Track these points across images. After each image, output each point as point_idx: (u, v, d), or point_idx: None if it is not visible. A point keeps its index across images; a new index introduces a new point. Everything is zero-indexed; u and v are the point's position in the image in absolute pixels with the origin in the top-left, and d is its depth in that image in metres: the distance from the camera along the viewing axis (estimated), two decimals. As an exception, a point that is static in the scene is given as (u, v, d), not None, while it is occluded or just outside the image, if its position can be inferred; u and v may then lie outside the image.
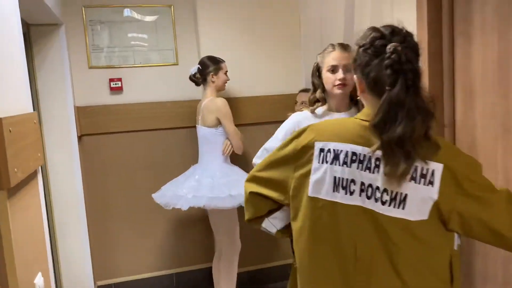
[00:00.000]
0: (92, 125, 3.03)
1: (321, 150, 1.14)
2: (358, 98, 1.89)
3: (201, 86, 2.89)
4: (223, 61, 2.82)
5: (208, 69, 2.77)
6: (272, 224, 1.32)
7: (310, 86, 3.36)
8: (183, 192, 2.60)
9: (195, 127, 3.14)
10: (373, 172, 1.08)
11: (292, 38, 3.32)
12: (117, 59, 3.09)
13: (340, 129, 1.15)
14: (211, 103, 2.71)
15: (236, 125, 2.84)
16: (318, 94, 1.92)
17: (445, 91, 1.92)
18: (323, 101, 1.92)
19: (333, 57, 1.85)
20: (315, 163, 1.14)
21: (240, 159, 2.93)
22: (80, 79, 3.00)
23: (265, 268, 3.36)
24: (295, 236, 1.19)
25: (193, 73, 2.83)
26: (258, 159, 2.05)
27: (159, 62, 3.16)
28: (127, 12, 3.08)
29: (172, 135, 3.19)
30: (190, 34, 3.20)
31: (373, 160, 1.07)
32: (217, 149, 2.73)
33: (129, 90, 3.11)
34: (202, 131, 2.77)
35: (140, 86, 3.13)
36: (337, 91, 1.85)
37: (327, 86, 1.88)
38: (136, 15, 3.11)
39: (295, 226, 1.18)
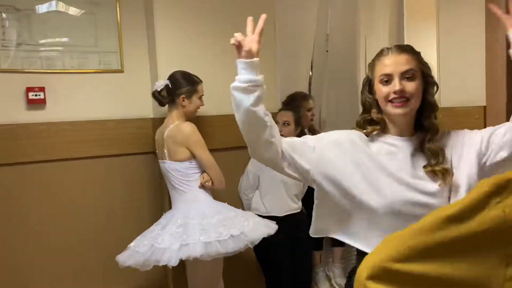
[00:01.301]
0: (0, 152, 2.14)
1: None
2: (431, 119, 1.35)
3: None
4: (200, 81, 2.27)
5: (180, 89, 2.20)
6: None
7: (286, 103, 2.91)
8: (165, 243, 1.97)
9: (147, 153, 2.43)
10: None
11: (267, 47, 2.76)
12: (38, 61, 2.26)
13: None
14: (177, 132, 2.15)
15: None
16: (374, 114, 1.38)
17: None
18: (382, 123, 1.38)
19: (385, 63, 1.33)
20: None
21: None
22: (-18, 86, 2.12)
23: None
24: None
25: (159, 89, 2.23)
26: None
27: (98, 67, 2.40)
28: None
29: (117, 164, 2.41)
30: (141, 34, 2.49)
31: None
32: (197, 183, 2.18)
33: (55, 104, 2.29)
34: (171, 166, 2.18)
35: (71, 98, 2.33)
36: (393, 110, 1.32)
37: (381, 103, 1.36)
38: (68, 5, 2.32)
39: None
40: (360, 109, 1.45)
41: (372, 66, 1.40)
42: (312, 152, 1.36)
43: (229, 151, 2.57)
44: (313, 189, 1.41)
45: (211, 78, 2.52)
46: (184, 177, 2.16)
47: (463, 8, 1.61)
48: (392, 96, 1.32)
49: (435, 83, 1.37)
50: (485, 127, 1.69)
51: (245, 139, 1.37)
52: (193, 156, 2.17)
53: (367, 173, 1.32)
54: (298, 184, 2.49)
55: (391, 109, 1.33)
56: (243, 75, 1.30)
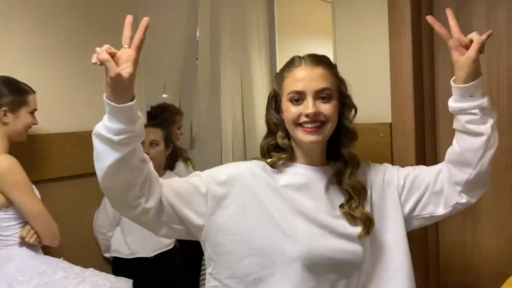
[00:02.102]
0: None
1: None
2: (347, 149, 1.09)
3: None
4: (31, 91, 1.71)
5: (0, 99, 1.63)
6: None
7: (151, 116, 2.49)
8: None
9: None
10: None
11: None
12: None
13: None
14: None
15: (38, 182, 1.72)
16: (280, 139, 1.11)
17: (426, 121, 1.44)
18: (289, 150, 1.12)
19: (297, 77, 1.08)
20: None
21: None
22: None
23: None
24: None
25: None
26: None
27: None
28: None
29: None
30: None
31: None
32: (14, 238, 1.62)
33: None
34: None
35: None
36: (304, 136, 1.07)
37: (288, 126, 1.10)
38: None
39: None
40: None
41: (279, 78, 1.12)
42: (205, 200, 1.02)
43: (78, 179, 2.04)
44: None
45: (51, 86, 1.98)
46: None
47: (363, 15, 1.45)
48: (304, 119, 1.06)
49: (353, 106, 1.14)
50: (391, 146, 1.56)
51: (104, 192, 0.98)
52: (10, 203, 1.59)
53: (276, 216, 1.04)
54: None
55: (301, 135, 1.07)
56: (113, 124, 0.86)
